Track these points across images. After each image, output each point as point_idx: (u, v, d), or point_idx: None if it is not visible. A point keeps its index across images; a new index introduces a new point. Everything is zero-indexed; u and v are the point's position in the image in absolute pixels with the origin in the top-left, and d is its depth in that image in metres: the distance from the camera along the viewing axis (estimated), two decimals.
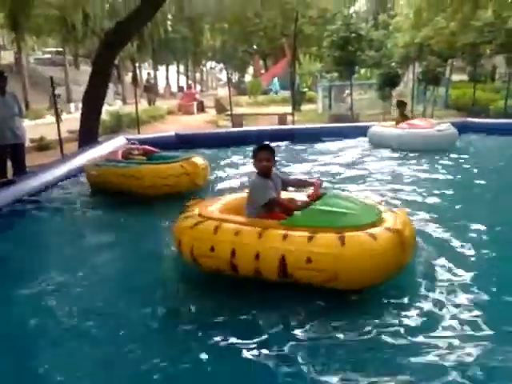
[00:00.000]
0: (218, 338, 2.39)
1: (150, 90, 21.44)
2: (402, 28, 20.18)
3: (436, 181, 5.71)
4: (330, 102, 15.61)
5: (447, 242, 3.59)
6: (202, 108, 18.76)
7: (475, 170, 6.29)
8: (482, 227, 3.89)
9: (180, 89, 32.09)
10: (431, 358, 2.21)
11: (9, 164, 6.09)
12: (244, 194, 3.55)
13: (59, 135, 8.20)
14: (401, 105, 8.78)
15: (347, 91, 14.71)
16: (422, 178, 5.87)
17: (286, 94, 19.86)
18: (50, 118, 12.46)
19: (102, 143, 7.94)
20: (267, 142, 3.41)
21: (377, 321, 2.50)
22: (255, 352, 2.27)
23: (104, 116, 10.96)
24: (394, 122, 8.40)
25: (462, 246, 3.51)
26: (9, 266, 3.48)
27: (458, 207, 4.63)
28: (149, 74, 24.78)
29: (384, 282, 2.79)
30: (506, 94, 12.18)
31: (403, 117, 8.39)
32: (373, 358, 2.20)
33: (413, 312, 2.60)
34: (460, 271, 3.08)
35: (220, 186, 5.79)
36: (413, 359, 2.19)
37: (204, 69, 42.77)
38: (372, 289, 2.79)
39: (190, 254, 3.02)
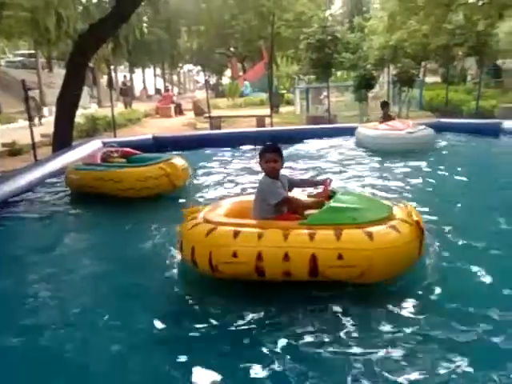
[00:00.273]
0: (223, 342, 2.37)
1: (126, 92, 21.20)
2: (376, 31, 20.53)
3: (411, 179, 5.80)
4: (308, 103, 15.73)
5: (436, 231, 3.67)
6: (179, 111, 18.64)
7: (450, 168, 6.43)
8: (464, 218, 4.07)
9: (157, 91, 31.82)
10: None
11: None
12: (243, 197, 3.54)
13: (32, 139, 7.99)
14: (384, 105, 8.89)
15: (324, 93, 14.86)
16: (397, 177, 5.94)
17: (265, 96, 19.91)
18: (23, 122, 12.13)
19: (76, 147, 7.77)
20: (269, 143, 3.31)
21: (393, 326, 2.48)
22: (261, 356, 2.25)
23: (79, 119, 10.76)
24: (377, 123, 8.51)
25: (451, 236, 3.64)
26: None
27: (436, 201, 4.77)
28: (125, 76, 24.52)
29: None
30: (477, 95, 12.52)
31: (387, 117, 8.48)
32: (389, 366, 2.16)
33: (415, 304, 2.67)
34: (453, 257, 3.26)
35: (200, 188, 5.76)
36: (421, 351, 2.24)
37: (181, 71, 42.51)
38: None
39: (207, 262, 2.84)
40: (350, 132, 8.93)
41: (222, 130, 11.58)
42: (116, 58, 26.71)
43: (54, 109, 9.77)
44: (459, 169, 6.30)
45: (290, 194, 3.35)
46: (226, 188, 5.74)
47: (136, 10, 9.81)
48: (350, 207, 2.93)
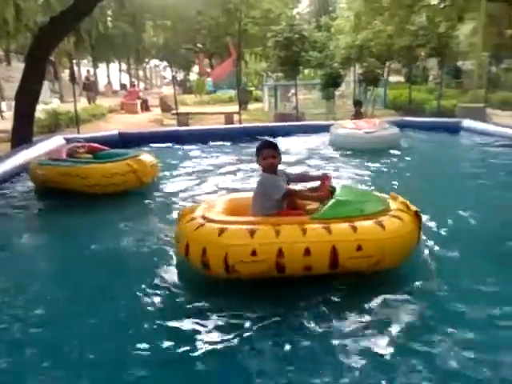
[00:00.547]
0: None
1: (90, 87, 20.55)
2: (343, 30, 20.85)
3: (376, 175, 5.97)
4: (276, 101, 15.79)
5: None
6: (146, 107, 18.27)
7: (418, 162, 6.75)
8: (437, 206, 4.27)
9: (122, 87, 31.06)
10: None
11: None
12: (234, 194, 3.53)
13: None
14: (357, 104, 9.02)
15: (292, 91, 14.95)
16: (360, 174, 6.07)
17: (233, 92, 19.84)
18: None
19: (37, 143, 7.49)
20: (268, 138, 3.32)
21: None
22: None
23: (40, 114, 10.35)
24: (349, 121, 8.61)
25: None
26: None
27: (405, 192, 4.93)
28: (88, 71, 23.77)
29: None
30: (438, 95, 12.95)
31: (359, 115, 8.59)
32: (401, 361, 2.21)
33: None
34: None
35: (168, 184, 5.70)
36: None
37: (147, 67, 41.69)
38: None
39: (221, 263, 2.75)
40: (323, 130, 9.03)
41: (190, 127, 11.45)
42: (78, 52, 25.86)
43: (12, 104, 9.33)
44: (426, 163, 6.62)
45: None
46: (195, 185, 5.70)
47: (99, 2, 9.50)
48: (356, 200, 3.07)
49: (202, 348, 2.31)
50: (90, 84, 21.10)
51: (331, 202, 2.98)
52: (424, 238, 3.40)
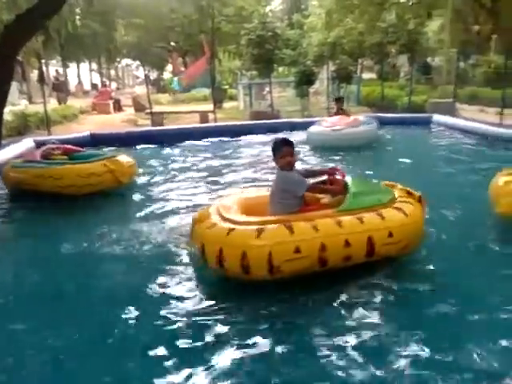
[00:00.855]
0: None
1: (60, 88, 20.01)
2: (315, 28, 21.02)
3: (351, 170, 6.05)
4: (251, 99, 15.78)
5: None
6: (119, 107, 17.93)
7: (396, 155, 6.98)
8: None
9: (94, 87, 30.42)
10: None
11: None
12: (239, 195, 3.50)
13: None
14: (337, 101, 9.06)
15: (267, 89, 14.97)
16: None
17: (208, 91, 19.70)
18: None
19: (6, 146, 7.26)
20: (284, 136, 3.31)
21: None
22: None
23: (7, 116, 10.02)
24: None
25: None
26: None
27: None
28: (57, 71, 23.15)
29: None
30: (409, 91, 13.22)
31: (340, 112, 8.60)
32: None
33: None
34: None
35: (145, 184, 5.71)
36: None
37: (119, 66, 40.95)
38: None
39: (265, 264, 2.69)
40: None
41: (165, 127, 11.32)
42: (47, 51, 25.17)
43: None
44: (403, 154, 6.92)
45: None
46: (174, 184, 5.73)
47: (67, 0, 9.26)
48: (370, 190, 3.25)
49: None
50: (60, 84, 20.56)
51: (351, 194, 3.08)
52: None
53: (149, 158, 7.43)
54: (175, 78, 21.67)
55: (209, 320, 2.54)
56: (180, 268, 3.20)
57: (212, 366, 2.16)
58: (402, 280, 2.92)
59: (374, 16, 17.31)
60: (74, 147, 5.87)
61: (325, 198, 3.29)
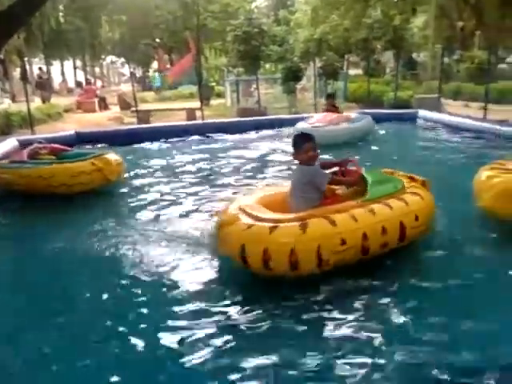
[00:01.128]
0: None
1: (43, 86, 19.65)
2: (301, 24, 21.01)
3: None
4: (238, 96, 15.72)
5: None
6: (104, 105, 17.70)
7: (387, 148, 7.03)
8: None
9: (78, 85, 29.98)
10: None
11: None
12: (258, 192, 3.49)
13: None
14: (328, 97, 9.02)
15: (254, 85, 14.93)
16: None
17: (194, 88, 19.58)
18: None
19: None
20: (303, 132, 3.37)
21: None
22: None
23: None
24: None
25: None
26: None
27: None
28: (40, 68, 22.72)
29: None
30: (395, 87, 13.32)
31: (331, 109, 8.52)
32: None
33: None
34: None
35: (132, 182, 5.71)
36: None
37: (104, 63, 40.43)
38: None
39: (314, 258, 2.70)
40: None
41: (151, 124, 11.24)
42: (30, 48, 24.71)
43: None
44: (389, 150, 7.15)
45: None
46: (161, 181, 5.73)
47: None
48: (384, 179, 3.37)
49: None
50: (44, 82, 20.20)
51: (371, 183, 3.21)
52: None
53: (136, 155, 7.38)
54: (156, 75, 21.51)
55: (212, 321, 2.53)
56: (176, 264, 3.18)
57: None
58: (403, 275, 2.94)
59: (359, 12, 17.37)
60: (62, 146, 5.85)
61: (339, 190, 3.33)
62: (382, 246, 2.94)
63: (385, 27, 14.98)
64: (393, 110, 11.76)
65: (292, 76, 13.70)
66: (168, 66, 27.26)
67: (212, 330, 2.41)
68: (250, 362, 2.13)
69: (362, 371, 2.06)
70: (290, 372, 2.07)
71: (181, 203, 4.70)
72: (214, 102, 17.67)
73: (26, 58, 25.56)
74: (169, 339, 2.35)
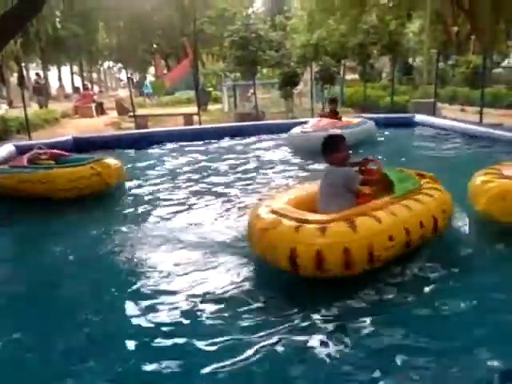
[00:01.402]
0: None
1: (41, 91, 19.68)
2: (298, 29, 21.13)
3: None
4: (235, 101, 15.77)
5: None
6: (102, 110, 17.72)
7: (385, 152, 7.12)
8: None
9: (75, 90, 29.99)
10: None
11: None
12: (283, 195, 3.47)
13: None
14: (331, 102, 8.98)
15: (251, 90, 14.98)
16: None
17: (192, 93, 19.63)
18: None
19: None
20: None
21: None
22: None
23: None
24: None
25: None
26: None
27: None
28: (37, 74, 22.73)
29: None
30: (391, 91, 13.40)
31: (332, 114, 8.40)
32: None
33: None
34: None
35: (130, 187, 5.73)
36: None
37: (101, 69, 40.50)
38: None
39: (367, 256, 2.73)
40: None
41: (149, 129, 11.24)
42: (27, 54, 24.74)
43: None
44: (388, 153, 7.16)
45: None
46: (158, 185, 5.75)
47: (46, 1, 9.13)
48: (403, 176, 3.53)
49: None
50: (41, 87, 20.22)
51: (396, 181, 3.37)
52: None
53: (134, 160, 7.39)
54: (146, 82, 21.53)
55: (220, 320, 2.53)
56: (178, 268, 3.19)
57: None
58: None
59: (355, 17, 17.49)
60: (61, 152, 5.91)
61: (366, 189, 3.38)
62: (420, 239, 3.08)
63: (381, 32, 15.09)
64: (389, 114, 11.82)
65: (289, 81, 13.77)
66: (165, 71, 27.33)
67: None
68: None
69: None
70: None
71: (181, 206, 4.70)
72: (211, 107, 17.72)
73: (23, 64, 25.56)
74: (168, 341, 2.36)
